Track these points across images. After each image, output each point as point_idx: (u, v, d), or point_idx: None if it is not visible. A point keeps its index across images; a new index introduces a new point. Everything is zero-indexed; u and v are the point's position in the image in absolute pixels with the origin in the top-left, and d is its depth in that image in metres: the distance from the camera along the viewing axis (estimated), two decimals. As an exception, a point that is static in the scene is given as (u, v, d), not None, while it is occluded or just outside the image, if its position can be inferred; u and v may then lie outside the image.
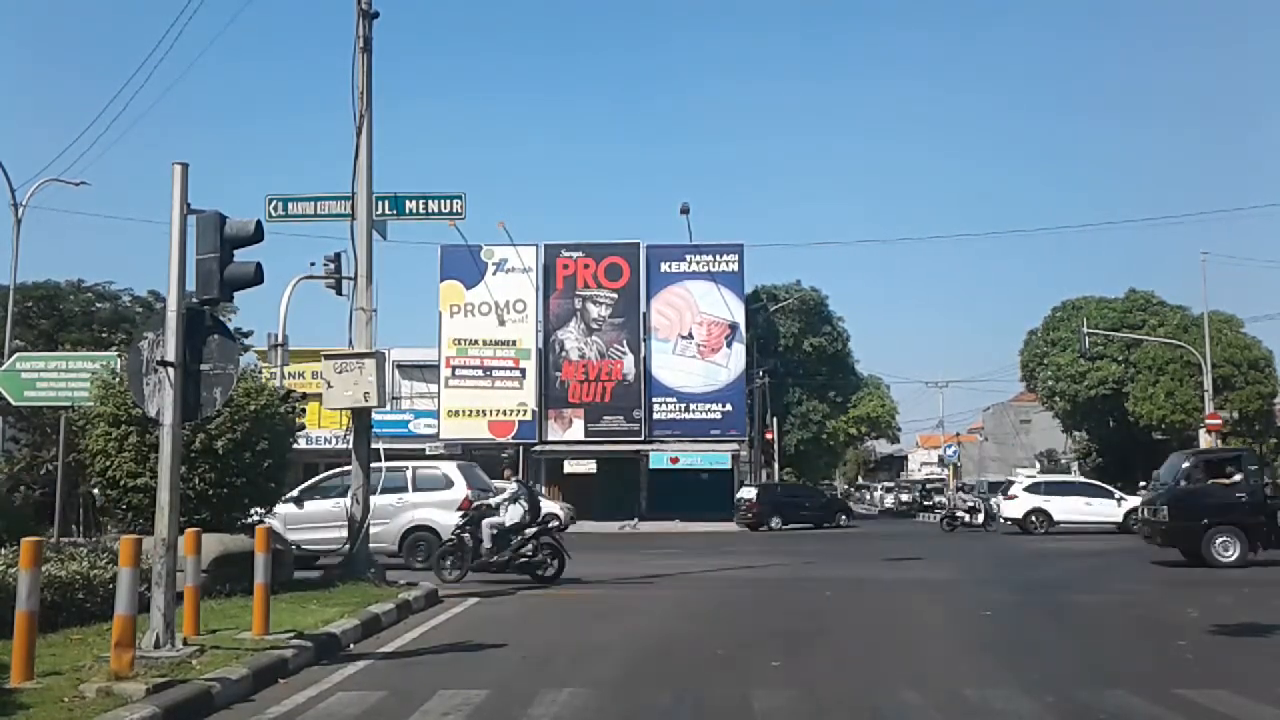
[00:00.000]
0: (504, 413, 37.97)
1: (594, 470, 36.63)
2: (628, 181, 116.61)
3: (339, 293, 19.38)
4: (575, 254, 38.72)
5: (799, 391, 46.71)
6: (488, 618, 10.67)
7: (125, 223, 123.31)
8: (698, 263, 38.53)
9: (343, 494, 14.43)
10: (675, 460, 37.10)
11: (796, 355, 45.91)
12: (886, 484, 69.08)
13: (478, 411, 37.99)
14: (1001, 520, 30.60)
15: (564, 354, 38.31)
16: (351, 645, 8.60)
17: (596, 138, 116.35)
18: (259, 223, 7.66)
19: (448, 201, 15.24)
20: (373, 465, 13.86)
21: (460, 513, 14.28)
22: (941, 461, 65.60)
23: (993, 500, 32.84)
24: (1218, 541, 16.38)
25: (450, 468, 17.99)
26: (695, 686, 6.92)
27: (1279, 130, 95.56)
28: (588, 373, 38.17)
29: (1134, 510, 28.56)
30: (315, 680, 7.07)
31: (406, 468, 17.36)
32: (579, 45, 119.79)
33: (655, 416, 37.97)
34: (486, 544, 13.71)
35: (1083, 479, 35.22)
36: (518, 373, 38.13)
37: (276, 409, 12.12)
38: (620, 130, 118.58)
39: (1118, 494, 30.01)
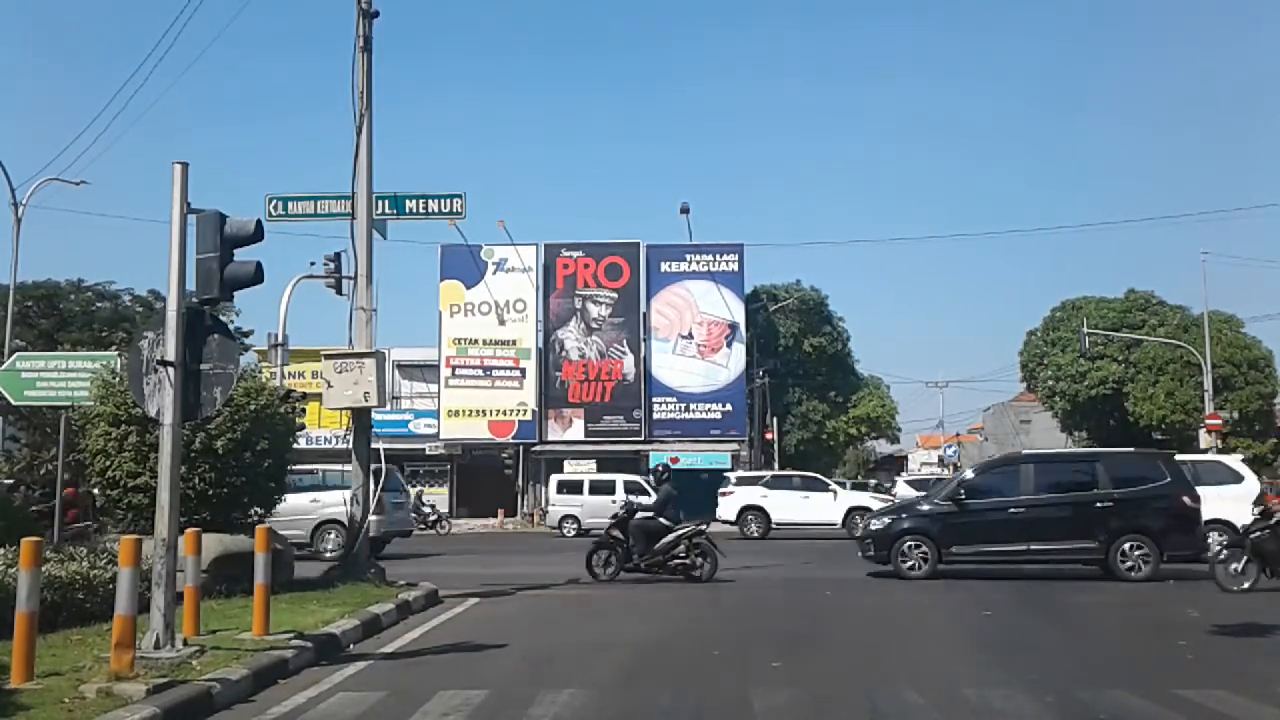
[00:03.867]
0: (504, 412, 38.00)
1: (594, 470, 36.61)
2: (628, 181, 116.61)
3: (339, 292, 19.41)
4: (575, 254, 38.76)
5: (799, 391, 46.71)
6: (487, 618, 10.67)
7: (125, 222, 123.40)
8: (698, 263, 38.56)
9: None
10: (675, 460, 37.03)
11: (796, 355, 45.91)
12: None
13: (478, 411, 38.01)
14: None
15: (564, 354, 38.33)
16: (352, 645, 8.60)
17: (596, 138, 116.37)
18: (259, 222, 7.66)
19: (448, 201, 15.25)
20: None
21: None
22: (941, 462, 65.68)
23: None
24: None
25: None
26: (695, 686, 6.92)
27: (1279, 130, 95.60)
28: (588, 372, 38.19)
29: (858, 509, 26.26)
30: (315, 681, 7.07)
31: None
32: (579, 45, 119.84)
33: (655, 416, 37.99)
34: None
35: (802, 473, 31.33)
36: (518, 372, 38.16)
37: (276, 409, 12.11)
38: (620, 130, 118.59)
39: (834, 487, 28.03)
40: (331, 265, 21.34)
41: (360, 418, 13.35)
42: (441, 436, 38.07)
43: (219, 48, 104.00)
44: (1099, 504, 14.15)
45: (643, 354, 38.21)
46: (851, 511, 26.55)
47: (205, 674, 6.55)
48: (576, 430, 37.97)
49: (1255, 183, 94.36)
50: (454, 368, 38.30)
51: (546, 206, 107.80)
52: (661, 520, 14.21)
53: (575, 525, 29.58)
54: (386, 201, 14.68)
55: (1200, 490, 14.85)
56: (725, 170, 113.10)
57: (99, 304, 31.06)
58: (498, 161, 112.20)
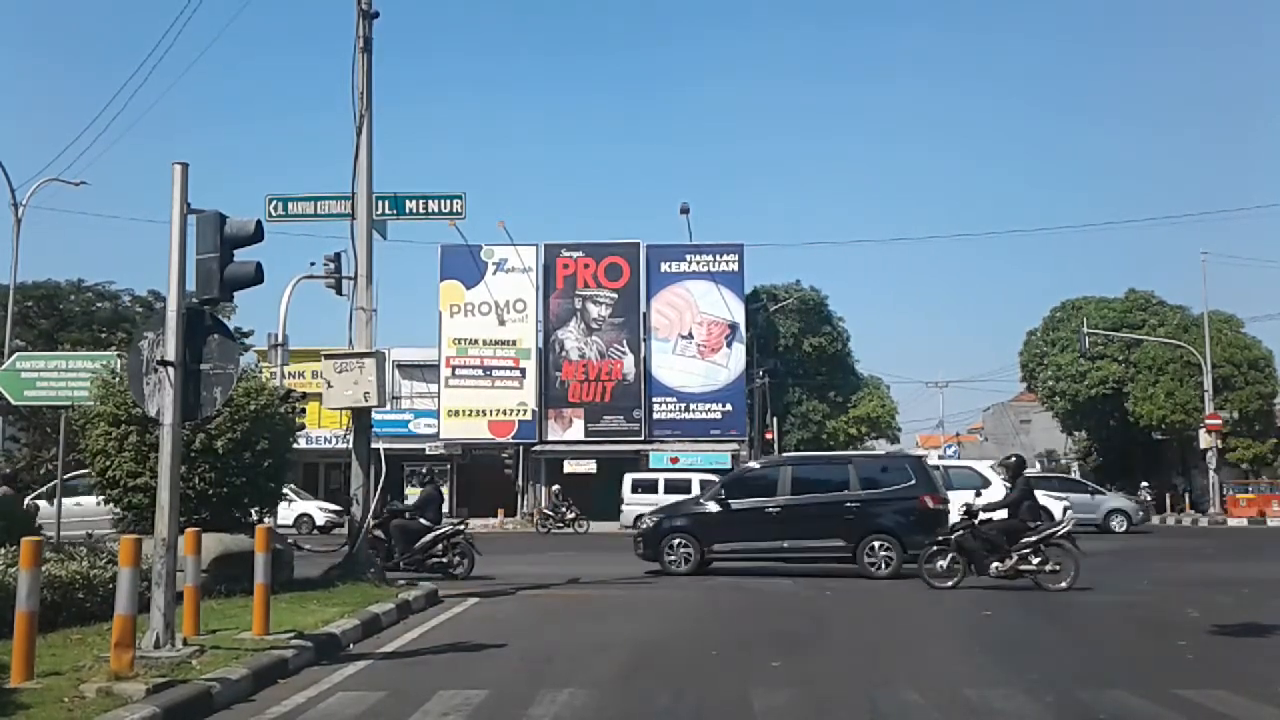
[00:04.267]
0: (504, 412, 37.99)
1: (594, 470, 36.66)
2: (628, 181, 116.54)
3: (339, 293, 19.40)
4: (575, 254, 38.75)
5: (799, 391, 46.67)
6: (487, 618, 10.68)
7: (125, 223, 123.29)
8: (698, 263, 38.56)
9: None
10: (675, 460, 37.07)
11: (796, 355, 45.87)
12: None
13: (478, 411, 38.01)
14: None
15: (564, 354, 38.33)
16: (351, 645, 8.60)
17: (596, 138, 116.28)
18: (259, 223, 7.67)
19: (448, 201, 15.25)
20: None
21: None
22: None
23: None
24: None
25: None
26: (695, 686, 6.92)
27: (1279, 130, 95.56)
28: (588, 373, 38.19)
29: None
30: (315, 680, 7.07)
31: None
32: (579, 45, 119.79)
33: (655, 416, 37.98)
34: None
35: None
36: (518, 373, 38.15)
37: (276, 409, 12.12)
38: (620, 130, 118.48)
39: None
40: (331, 265, 21.35)
41: (360, 418, 13.36)
42: (441, 436, 38.05)
43: (219, 48, 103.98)
44: (849, 504, 14.91)
45: (643, 354, 38.21)
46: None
47: (205, 673, 6.55)
48: (576, 430, 37.97)
49: (1255, 183, 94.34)
50: (454, 368, 38.29)
51: (546, 206, 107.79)
52: (421, 520, 14.73)
53: None
54: (386, 201, 14.68)
55: (952, 494, 15.83)
56: (725, 170, 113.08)
57: (99, 304, 31.10)
58: (498, 161, 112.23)
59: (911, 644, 8.96)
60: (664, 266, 38.63)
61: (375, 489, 13.65)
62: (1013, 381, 62.34)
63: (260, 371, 14.19)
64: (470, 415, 38.03)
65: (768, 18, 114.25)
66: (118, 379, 11.47)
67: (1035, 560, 12.64)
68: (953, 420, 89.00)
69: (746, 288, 39.97)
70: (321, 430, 32.66)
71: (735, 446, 38.04)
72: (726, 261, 38.63)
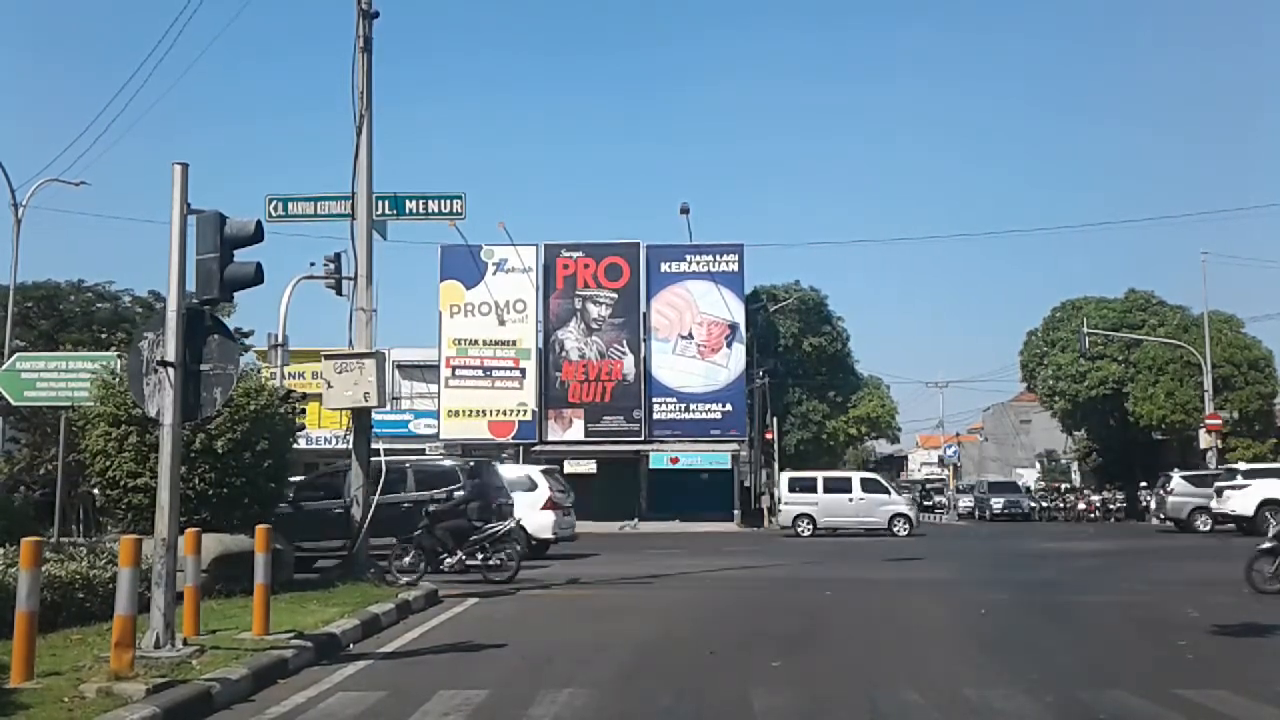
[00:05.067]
0: (504, 413, 37.98)
1: (594, 470, 36.58)
2: (628, 181, 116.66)
3: (339, 293, 19.40)
4: (575, 254, 38.73)
5: (799, 391, 46.66)
6: (487, 618, 10.67)
7: (125, 223, 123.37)
8: (698, 263, 38.54)
9: None
10: (675, 460, 37.09)
11: (796, 355, 45.85)
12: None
13: (478, 411, 37.99)
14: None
15: (564, 354, 38.31)
16: (351, 645, 8.60)
17: (596, 138, 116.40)
18: (259, 223, 7.67)
19: (448, 201, 15.25)
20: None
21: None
22: (941, 462, 65.65)
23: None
24: None
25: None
26: (695, 686, 6.92)
27: (1279, 130, 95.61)
28: (588, 373, 38.17)
29: None
30: (315, 680, 7.07)
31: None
32: (579, 45, 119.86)
33: (655, 416, 37.97)
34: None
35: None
36: (518, 373, 38.14)
37: (276, 409, 12.12)
38: (620, 130, 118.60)
39: None
40: (331, 265, 21.33)
41: (360, 418, 13.36)
42: (441, 437, 38.02)
43: (219, 48, 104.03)
44: (403, 505, 15.68)
45: (643, 354, 38.19)
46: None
47: (205, 673, 6.55)
48: (576, 430, 37.95)
49: (1255, 183, 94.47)
50: (454, 368, 38.28)
51: (546, 206, 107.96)
52: None
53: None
54: (386, 202, 14.68)
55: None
56: (725, 170, 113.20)
57: (99, 305, 31.00)
58: (498, 161, 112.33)
59: (911, 644, 8.95)
60: (664, 266, 38.62)
61: (375, 489, 13.64)
62: (1013, 381, 62.26)
63: (260, 372, 14.17)
64: (470, 415, 38.02)
65: (768, 18, 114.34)
66: (118, 379, 11.46)
67: (480, 556, 13.69)
68: (953, 420, 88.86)
69: (746, 288, 39.96)
70: (321, 430, 32.65)
71: (735, 446, 38.03)
72: (726, 262, 38.61)
